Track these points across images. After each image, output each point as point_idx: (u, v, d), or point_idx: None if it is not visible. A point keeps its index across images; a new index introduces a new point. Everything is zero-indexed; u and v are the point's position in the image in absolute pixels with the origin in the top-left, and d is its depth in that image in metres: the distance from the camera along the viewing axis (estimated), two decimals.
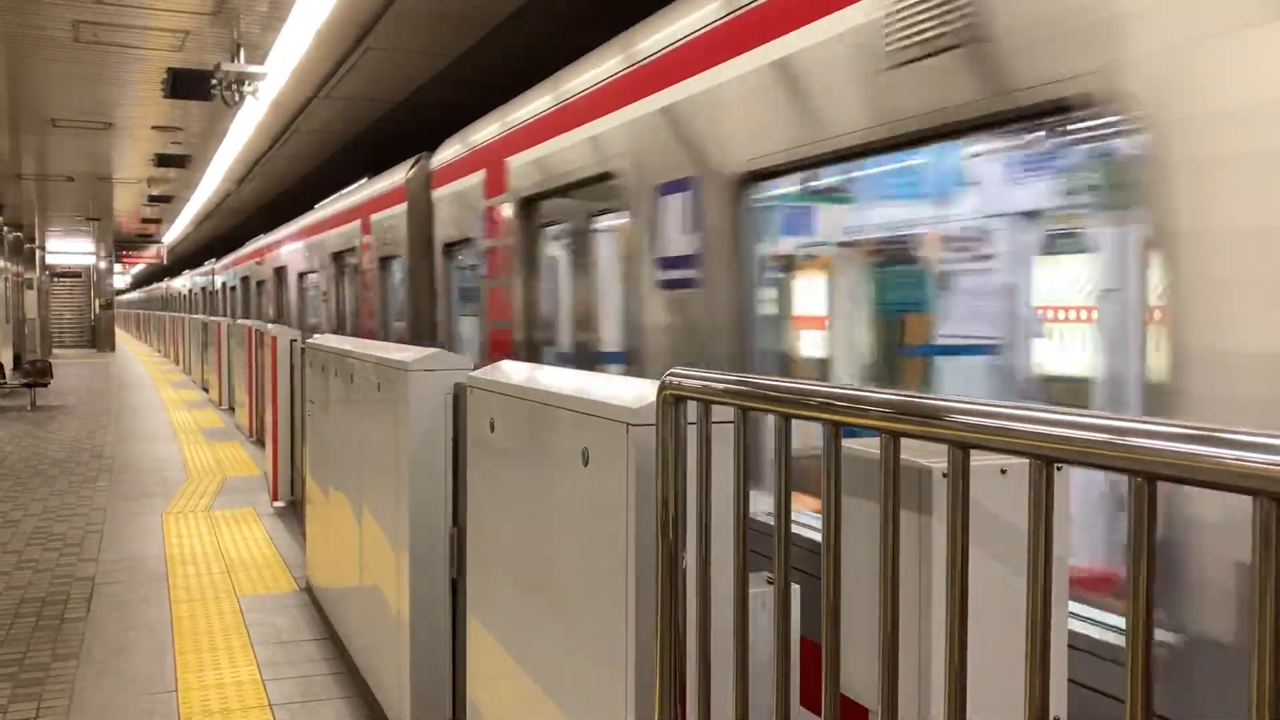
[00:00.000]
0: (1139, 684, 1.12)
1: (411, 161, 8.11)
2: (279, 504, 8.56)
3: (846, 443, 1.73)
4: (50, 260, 33.08)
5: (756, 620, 1.92)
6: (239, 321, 14.14)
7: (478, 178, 6.55)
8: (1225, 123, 1.98)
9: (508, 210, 5.97)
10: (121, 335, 49.73)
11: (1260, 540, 0.99)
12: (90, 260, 35.35)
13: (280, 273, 14.92)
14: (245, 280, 19.01)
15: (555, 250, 5.88)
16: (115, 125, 12.89)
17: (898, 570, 1.54)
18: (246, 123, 12.35)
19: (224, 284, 22.80)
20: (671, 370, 2.01)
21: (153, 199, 20.85)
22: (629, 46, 4.60)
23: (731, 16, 3.75)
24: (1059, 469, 1.61)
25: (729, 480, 1.90)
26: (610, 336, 5.24)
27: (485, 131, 6.53)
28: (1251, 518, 0.99)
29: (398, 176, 8.38)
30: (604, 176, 4.71)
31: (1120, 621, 2.14)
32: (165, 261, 36.81)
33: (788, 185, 3.70)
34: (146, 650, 5.04)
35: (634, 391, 2.25)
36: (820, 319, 4.04)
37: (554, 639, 2.54)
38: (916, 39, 2.78)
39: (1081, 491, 2.73)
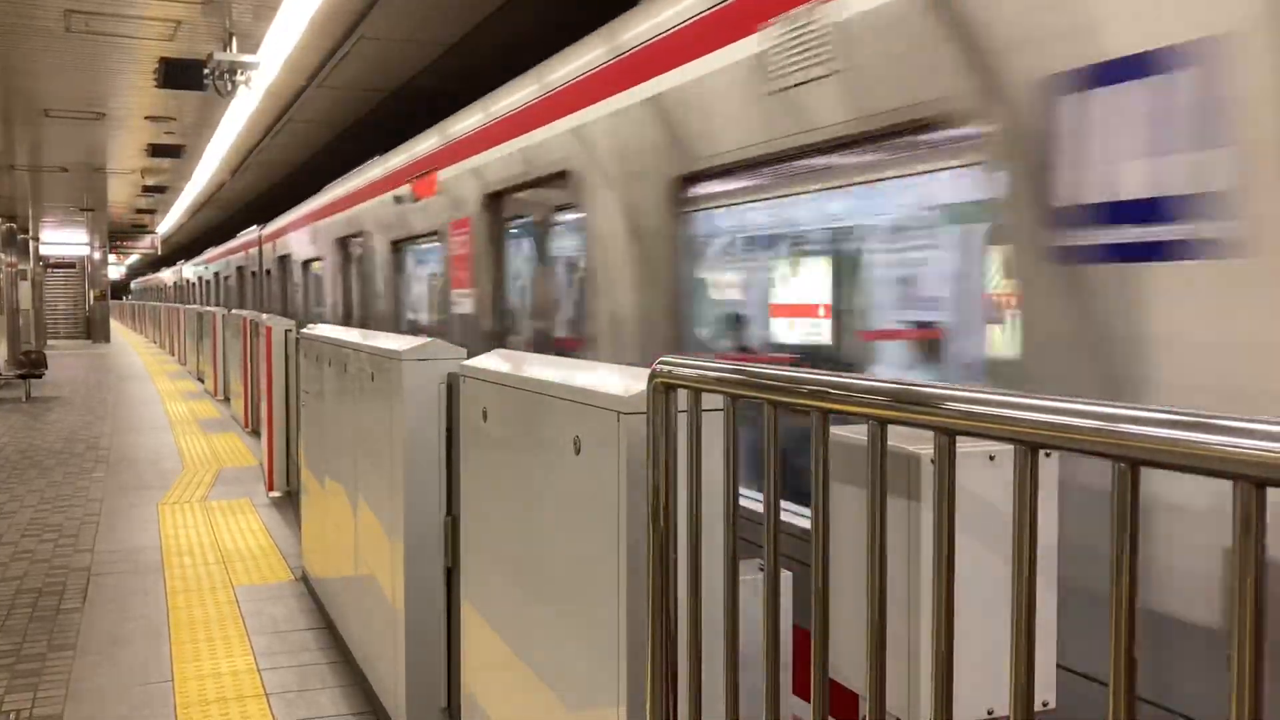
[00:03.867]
0: (1122, 668, 1.13)
1: (260, 225, 17.13)
2: (275, 494, 8.57)
3: (835, 429, 1.73)
4: (45, 251, 33.02)
5: (747, 607, 1.92)
6: (233, 311, 14.56)
7: (272, 245, 15.75)
8: None
9: (280, 261, 15.12)
10: (117, 327, 49.62)
11: (1240, 526, 0.99)
12: (85, 251, 35.28)
13: (217, 275, 24.72)
14: (200, 278, 28.68)
15: (299, 276, 13.58)
16: (108, 115, 12.85)
17: (886, 556, 1.55)
18: (240, 113, 12.33)
19: (187, 279, 32.75)
20: (662, 359, 2.01)
21: (147, 189, 20.82)
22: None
23: None
24: (1046, 455, 1.62)
25: (720, 468, 1.90)
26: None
27: (274, 225, 15.68)
28: (1232, 503, 1.00)
29: (255, 233, 17.54)
30: (284, 258, 14.90)
31: None
32: (159, 252, 36.86)
33: None
34: (143, 640, 5.05)
35: (625, 380, 2.26)
36: None
37: (547, 626, 2.55)
38: None
39: None
